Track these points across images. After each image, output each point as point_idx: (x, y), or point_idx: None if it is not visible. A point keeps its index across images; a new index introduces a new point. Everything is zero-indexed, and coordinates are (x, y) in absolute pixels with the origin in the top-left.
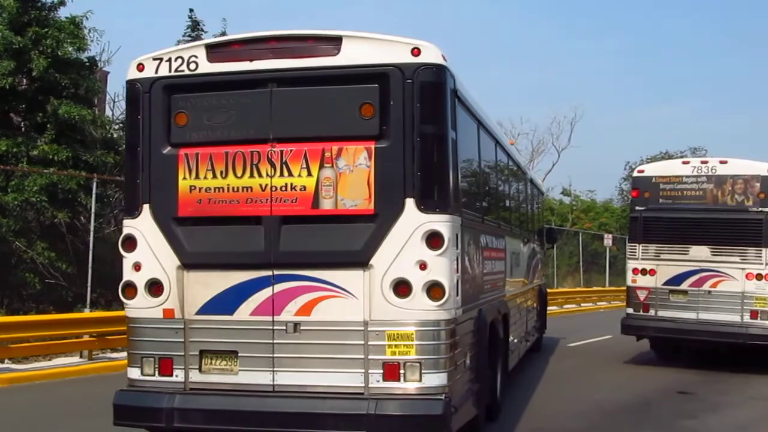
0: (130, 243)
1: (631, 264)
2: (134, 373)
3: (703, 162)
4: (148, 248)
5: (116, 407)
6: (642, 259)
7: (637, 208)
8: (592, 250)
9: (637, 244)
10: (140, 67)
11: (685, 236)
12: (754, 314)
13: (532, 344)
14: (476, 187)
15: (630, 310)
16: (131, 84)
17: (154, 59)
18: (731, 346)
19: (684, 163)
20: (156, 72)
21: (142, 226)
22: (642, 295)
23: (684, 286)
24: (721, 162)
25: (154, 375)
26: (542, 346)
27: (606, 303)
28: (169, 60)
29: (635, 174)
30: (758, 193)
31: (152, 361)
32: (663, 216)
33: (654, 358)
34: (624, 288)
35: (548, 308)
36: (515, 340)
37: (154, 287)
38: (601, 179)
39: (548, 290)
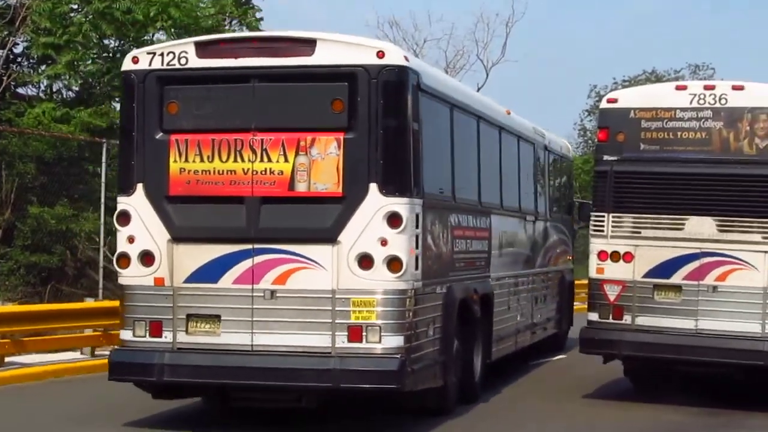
0: (125, 218)
1: (595, 245)
2: (127, 335)
3: (707, 88)
4: (141, 223)
5: (111, 364)
6: (612, 237)
7: (605, 157)
8: None
9: (605, 214)
10: (135, 60)
11: (678, 202)
12: None
13: (545, 339)
14: (446, 168)
15: (593, 316)
16: (127, 75)
17: (148, 53)
18: (748, 371)
19: (679, 88)
20: (150, 65)
21: (136, 202)
22: (612, 293)
23: (676, 278)
24: (735, 88)
25: (145, 336)
26: (567, 346)
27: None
28: (162, 54)
29: (604, 104)
30: None
31: (143, 324)
32: (645, 171)
33: (630, 391)
34: (584, 282)
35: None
36: (506, 327)
37: (146, 258)
38: (553, 113)
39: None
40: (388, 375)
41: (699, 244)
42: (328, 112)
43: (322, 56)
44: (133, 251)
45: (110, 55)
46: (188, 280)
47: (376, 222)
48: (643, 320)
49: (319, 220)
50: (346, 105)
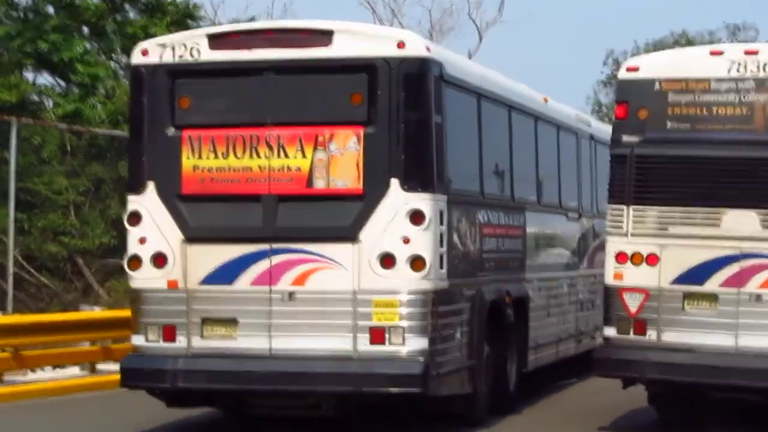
0: (135, 218)
1: (613, 244)
2: (139, 340)
3: (749, 53)
4: (152, 223)
5: (123, 370)
6: (634, 235)
7: (625, 138)
8: None
9: (624, 208)
10: (144, 53)
11: (714, 193)
12: None
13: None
14: (474, 162)
15: (610, 332)
16: (136, 68)
17: (158, 45)
18: None
19: (714, 54)
20: (160, 58)
21: (147, 202)
22: (633, 304)
23: (712, 285)
24: None
25: (158, 341)
26: None
27: None
28: (173, 47)
29: (623, 74)
30: None
31: (156, 328)
32: (673, 154)
33: (655, 422)
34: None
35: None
36: (545, 334)
37: (159, 259)
38: (561, 84)
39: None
40: (412, 378)
41: (739, 243)
42: (347, 106)
43: (340, 47)
44: (145, 253)
45: (21, 15)
46: (203, 282)
47: (398, 219)
48: (671, 336)
49: (339, 218)
50: (365, 98)
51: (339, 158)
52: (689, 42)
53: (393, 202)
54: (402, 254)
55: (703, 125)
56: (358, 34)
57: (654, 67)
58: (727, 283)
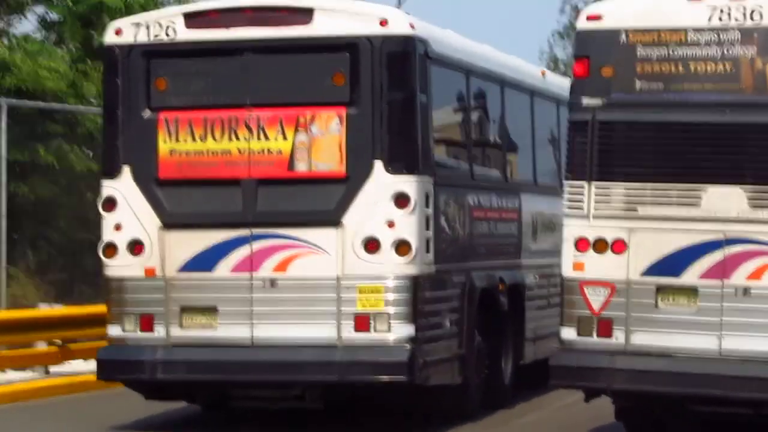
0: (110, 203)
1: (571, 229)
2: (115, 330)
3: None
4: (129, 209)
5: (100, 362)
6: (596, 217)
7: (585, 101)
8: None
9: (584, 184)
10: (118, 32)
11: (692, 166)
12: None
13: None
14: (463, 143)
15: (568, 333)
16: (110, 49)
17: (133, 24)
18: None
19: None
20: (135, 38)
21: (123, 187)
22: (596, 300)
23: (690, 277)
24: None
25: (135, 331)
26: None
27: None
28: (148, 26)
29: (582, 24)
30: None
31: (133, 318)
32: (643, 120)
33: None
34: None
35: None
36: (545, 325)
37: (135, 246)
38: (510, 36)
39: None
40: (398, 366)
41: (723, 226)
42: (329, 86)
43: (321, 26)
44: (121, 240)
45: None
46: (182, 269)
47: (383, 202)
48: (641, 338)
49: (321, 201)
50: (347, 78)
51: (321, 140)
52: None
53: (377, 184)
54: (387, 238)
55: (679, 85)
56: (339, 12)
57: (620, 15)
58: (708, 274)
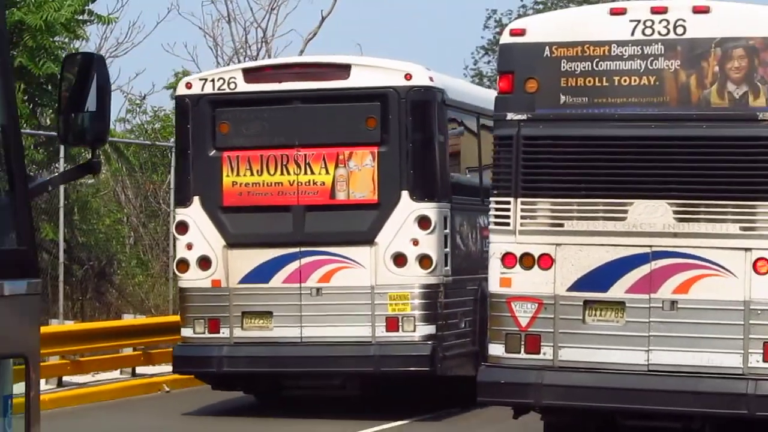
0: (183, 227)
1: (498, 245)
2: (187, 332)
3: (656, 11)
4: (198, 231)
5: (175, 358)
6: (523, 233)
7: (510, 116)
8: None
9: (510, 200)
10: (188, 86)
11: (618, 180)
12: None
13: None
14: (475, 174)
15: (496, 350)
16: (181, 99)
17: (200, 79)
18: (724, 425)
19: (615, 12)
20: (202, 90)
21: (193, 213)
22: (524, 316)
23: (617, 291)
24: (697, 10)
25: (204, 333)
26: None
27: None
28: (213, 80)
29: (506, 39)
30: None
31: (202, 321)
32: (568, 135)
33: None
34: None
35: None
36: None
37: (204, 262)
38: (435, 52)
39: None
40: (422, 359)
41: (649, 240)
42: (363, 129)
43: (357, 79)
44: (192, 257)
45: None
46: (242, 281)
47: (408, 224)
48: (569, 354)
49: (358, 224)
50: (378, 122)
51: (357, 173)
52: (586, 2)
53: (403, 210)
54: (412, 254)
55: (604, 98)
56: (372, 68)
57: (543, 29)
58: (635, 288)
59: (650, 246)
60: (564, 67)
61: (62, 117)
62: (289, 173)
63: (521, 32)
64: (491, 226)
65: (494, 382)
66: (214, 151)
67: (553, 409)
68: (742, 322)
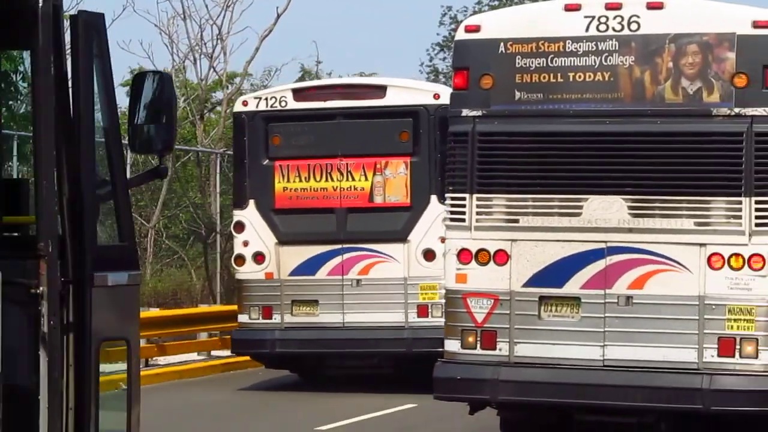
0: (240, 227)
1: (453, 241)
2: (244, 318)
3: (611, 7)
4: (253, 230)
5: (233, 341)
6: (478, 229)
7: (465, 112)
8: None
9: (466, 196)
10: (245, 103)
11: (573, 176)
12: (726, 345)
13: None
14: None
15: (452, 345)
16: (238, 115)
17: (255, 98)
18: (680, 421)
19: (570, 8)
20: (257, 107)
21: (249, 214)
22: (480, 312)
23: (572, 287)
24: (651, 6)
25: (258, 319)
26: None
27: None
28: (266, 99)
29: (461, 35)
30: (732, 73)
31: (257, 309)
32: (523, 131)
33: None
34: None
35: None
36: None
37: (258, 257)
38: (390, 48)
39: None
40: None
41: (604, 235)
42: (397, 142)
43: (392, 98)
44: (248, 253)
45: None
46: (292, 273)
47: (436, 224)
48: (525, 349)
49: (393, 224)
50: (411, 136)
51: (392, 180)
52: None
53: (432, 212)
54: (440, 250)
55: (559, 94)
56: (405, 89)
57: (498, 26)
58: (590, 284)
59: (605, 242)
60: (519, 64)
61: (131, 128)
62: (332, 180)
63: (476, 29)
64: (446, 222)
65: (450, 378)
66: (267, 160)
67: (509, 404)
68: (697, 317)
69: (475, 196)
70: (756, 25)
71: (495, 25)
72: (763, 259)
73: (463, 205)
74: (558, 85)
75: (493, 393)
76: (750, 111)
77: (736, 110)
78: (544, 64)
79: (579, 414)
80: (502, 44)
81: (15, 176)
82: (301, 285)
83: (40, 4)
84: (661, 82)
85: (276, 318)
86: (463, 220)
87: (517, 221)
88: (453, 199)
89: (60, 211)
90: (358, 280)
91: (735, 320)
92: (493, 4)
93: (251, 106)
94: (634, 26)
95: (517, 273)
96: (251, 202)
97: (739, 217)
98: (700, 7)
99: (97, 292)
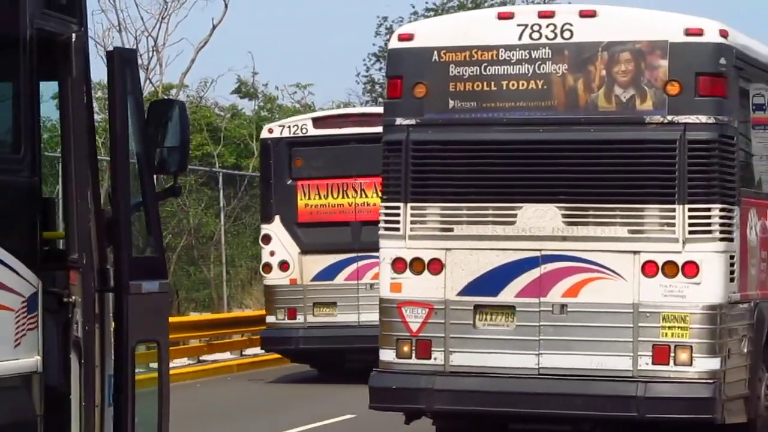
0: (267, 239)
1: (388, 250)
2: (271, 319)
3: (543, 15)
4: (279, 242)
5: (262, 339)
6: (412, 237)
7: (398, 121)
8: None
9: (400, 205)
10: (270, 131)
11: (507, 185)
12: (660, 353)
13: None
14: None
15: (387, 355)
16: (264, 141)
17: (279, 126)
18: (615, 428)
19: (503, 17)
20: (281, 134)
21: (275, 228)
22: (414, 321)
23: (507, 295)
24: (584, 14)
25: (284, 319)
26: None
27: None
28: (289, 127)
29: (394, 44)
30: (665, 81)
31: (283, 310)
32: (457, 139)
33: None
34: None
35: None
36: None
37: (284, 265)
38: (325, 59)
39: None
40: None
41: (538, 243)
42: None
43: None
44: (274, 261)
45: None
46: (313, 279)
47: None
48: (460, 358)
49: None
50: None
51: None
52: (476, 5)
53: None
54: None
55: (492, 103)
56: None
57: (432, 34)
58: (525, 292)
59: (540, 250)
60: (452, 72)
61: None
62: (348, 197)
63: (409, 37)
64: (381, 232)
65: (385, 388)
66: (290, 180)
67: (444, 414)
68: (632, 325)
69: (409, 205)
70: (688, 32)
71: (428, 34)
72: (697, 267)
73: (398, 214)
74: (491, 93)
75: (429, 402)
76: (683, 119)
77: (669, 118)
78: (478, 73)
79: (514, 423)
80: (435, 53)
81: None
82: (322, 289)
83: (73, 39)
84: (595, 90)
85: (300, 318)
86: (398, 229)
87: (451, 230)
88: (387, 208)
89: (97, 226)
90: (371, 284)
91: (669, 328)
92: (428, 15)
93: (276, 133)
94: (567, 34)
95: (452, 282)
96: (277, 217)
97: (673, 225)
98: (633, 15)
99: (132, 299)
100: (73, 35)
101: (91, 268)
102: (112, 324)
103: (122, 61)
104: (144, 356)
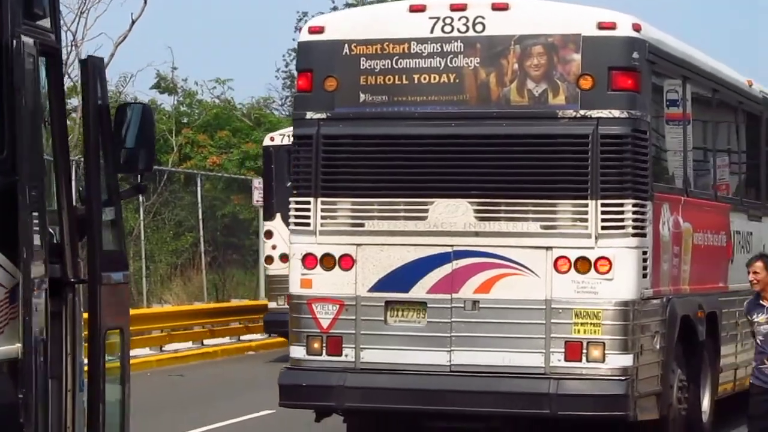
0: (269, 234)
1: (298, 245)
2: (273, 305)
3: (456, 8)
4: (279, 236)
5: (265, 323)
6: (323, 233)
7: (309, 115)
8: (225, 217)
9: (310, 200)
10: (272, 139)
11: (418, 179)
12: (573, 350)
13: None
14: None
15: (298, 352)
16: (266, 148)
17: (280, 135)
18: (527, 426)
19: (414, 9)
20: (281, 141)
21: (276, 225)
22: (325, 317)
23: (418, 291)
24: (497, 7)
25: (284, 305)
26: None
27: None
28: (288, 135)
29: (304, 36)
30: (577, 75)
31: (282, 298)
32: (368, 134)
33: None
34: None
35: (133, 352)
36: None
37: (283, 258)
38: (245, 54)
39: (133, 311)
40: None
41: (450, 239)
42: None
43: None
44: (275, 254)
45: None
46: None
47: None
48: (372, 355)
49: None
50: None
51: None
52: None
53: None
54: None
55: (404, 97)
56: None
57: (342, 27)
58: (437, 288)
59: (452, 245)
60: (363, 65)
61: (115, 150)
62: None
63: (320, 30)
64: (291, 227)
65: (296, 385)
66: (290, 183)
67: (355, 411)
68: (544, 322)
69: (319, 199)
70: (601, 26)
71: (339, 26)
72: (610, 263)
73: (308, 209)
74: (403, 87)
75: (339, 400)
76: (596, 113)
77: (582, 112)
78: (389, 66)
79: (426, 420)
80: (346, 45)
81: None
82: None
83: (53, 48)
84: (507, 84)
85: None
86: (308, 225)
87: (362, 225)
88: (297, 203)
89: (70, 223)
90: None
91: (582, 324)
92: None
93: (277, 141)
94: (479, 27)
95: (363, 278)
96: (278, 215)
97: (585, 220)
98: (546, 9)
99: (104, 290)
100: (53, 45)
101: (67, 261)
102: (84, 314)
103: (95, 69)
104: (111, 344)
